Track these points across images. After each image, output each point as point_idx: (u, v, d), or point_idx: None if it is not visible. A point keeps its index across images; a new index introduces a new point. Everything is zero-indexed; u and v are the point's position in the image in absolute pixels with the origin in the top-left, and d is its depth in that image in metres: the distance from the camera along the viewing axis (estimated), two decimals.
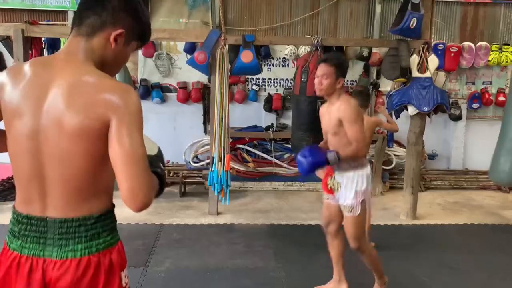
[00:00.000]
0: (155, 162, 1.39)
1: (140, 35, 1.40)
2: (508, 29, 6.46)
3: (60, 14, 5.96)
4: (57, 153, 1.24)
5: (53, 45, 5.84)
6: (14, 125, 1.27)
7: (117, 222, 1.39)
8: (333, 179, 2.93)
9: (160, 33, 4.69)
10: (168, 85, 6.28)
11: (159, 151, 1.50)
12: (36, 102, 1.24)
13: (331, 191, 2.98)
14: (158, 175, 1.36)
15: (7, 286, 1.28)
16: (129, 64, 5.51)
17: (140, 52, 6.16)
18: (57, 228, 1.26)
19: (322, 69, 2.82)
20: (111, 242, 1.33)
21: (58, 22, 5.69)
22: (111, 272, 1.30)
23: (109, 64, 1.35)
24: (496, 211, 5.29)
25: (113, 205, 1.38)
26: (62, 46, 5.74)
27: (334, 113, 2.81)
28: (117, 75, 4.12)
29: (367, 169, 2.90)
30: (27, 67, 1.30)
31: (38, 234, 1.27)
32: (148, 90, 6.18)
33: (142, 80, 6.18)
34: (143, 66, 6.23)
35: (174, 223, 4.56)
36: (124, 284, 1.34)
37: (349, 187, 2.83)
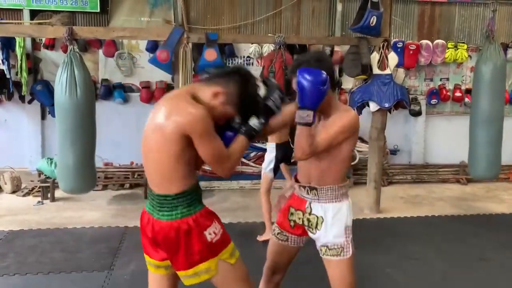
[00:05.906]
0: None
1: (238, 105, 1.87)
2: (462, 27, 6.71)
3: (15, 13, 5.72)
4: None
5: (8, 44, 5.63)
6: None
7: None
8: (307, 212, 2.23)
9: (121, 31, 4.60)
10: (130, 84, 6.16)
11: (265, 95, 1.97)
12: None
13: (299, 229, 2.27)
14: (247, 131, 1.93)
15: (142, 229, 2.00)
16: (89, 64, 5.36)
17: (100, 51, 6.02)
18: (155, 199, 1.91)
19: (294, 82, 2.06)
20: (187, 213, 1.86)
21: (13, 21, 5.46)
22: (189, 234, 1.84)
23: (211, 112, 1.83)
24: (455, 202, 5.49)
25: (190, 189, 1.88)
26: (16, 46, 5.57)
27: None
28: (76, 74, 4.03)
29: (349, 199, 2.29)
30: None
31: (151, 200, 1.96)
32: (109, 90, 6.04)
33: (103, 80, 6.04)
34: (104, 66, 6.09)
35: (139, 225, 4.46)
36: (209, 239, 1.86)
37: (337, 222, 2.19)
